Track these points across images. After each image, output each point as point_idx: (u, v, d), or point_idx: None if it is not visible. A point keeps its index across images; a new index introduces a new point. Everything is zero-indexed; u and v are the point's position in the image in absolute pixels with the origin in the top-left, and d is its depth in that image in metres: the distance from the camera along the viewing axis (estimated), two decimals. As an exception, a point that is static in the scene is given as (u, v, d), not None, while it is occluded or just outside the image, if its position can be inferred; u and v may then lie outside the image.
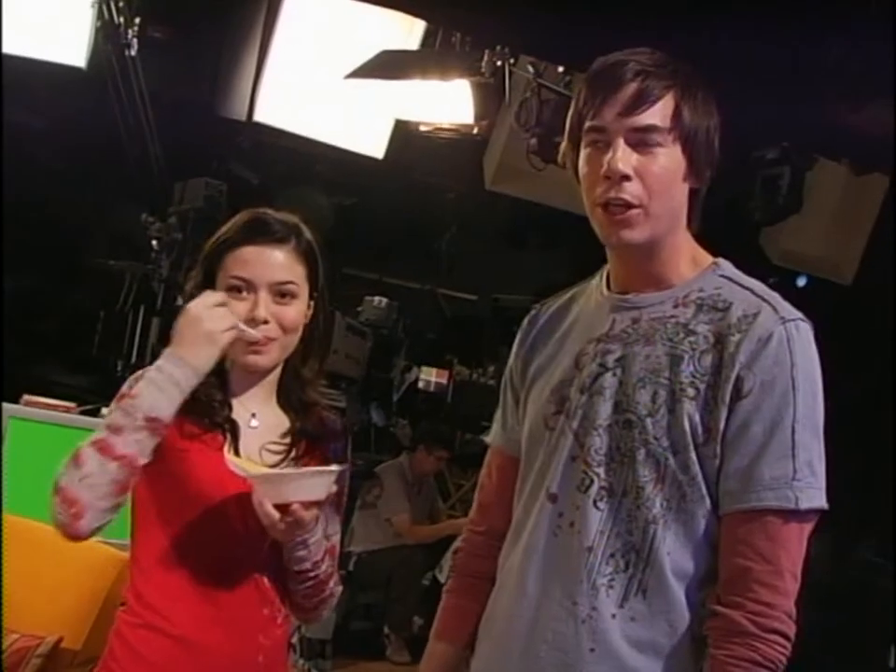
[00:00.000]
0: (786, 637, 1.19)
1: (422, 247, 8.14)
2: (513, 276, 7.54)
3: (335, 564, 1.61)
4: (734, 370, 1.22)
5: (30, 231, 5.63)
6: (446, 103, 4.24)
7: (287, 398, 1.58)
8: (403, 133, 5.00)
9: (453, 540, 4.95)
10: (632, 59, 1.28)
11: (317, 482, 1.41)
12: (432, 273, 7.76)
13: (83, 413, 3.58)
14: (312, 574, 1.52)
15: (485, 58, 4.17)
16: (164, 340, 5.19)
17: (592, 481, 1.28)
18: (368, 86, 4.30)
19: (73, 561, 2.36)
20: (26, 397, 3.48)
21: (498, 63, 4.37)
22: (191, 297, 1.50)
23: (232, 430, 1.51)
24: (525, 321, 1.48)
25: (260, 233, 1.52)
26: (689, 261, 1.32)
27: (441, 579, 4.68)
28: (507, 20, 4.06)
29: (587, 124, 1.30)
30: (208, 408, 1.50)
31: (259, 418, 1.55)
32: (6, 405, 3.30)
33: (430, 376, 8.44)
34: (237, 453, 1.50)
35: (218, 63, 5.22)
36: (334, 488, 1.45)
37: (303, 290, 1.54)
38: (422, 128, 4.53)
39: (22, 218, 5.53)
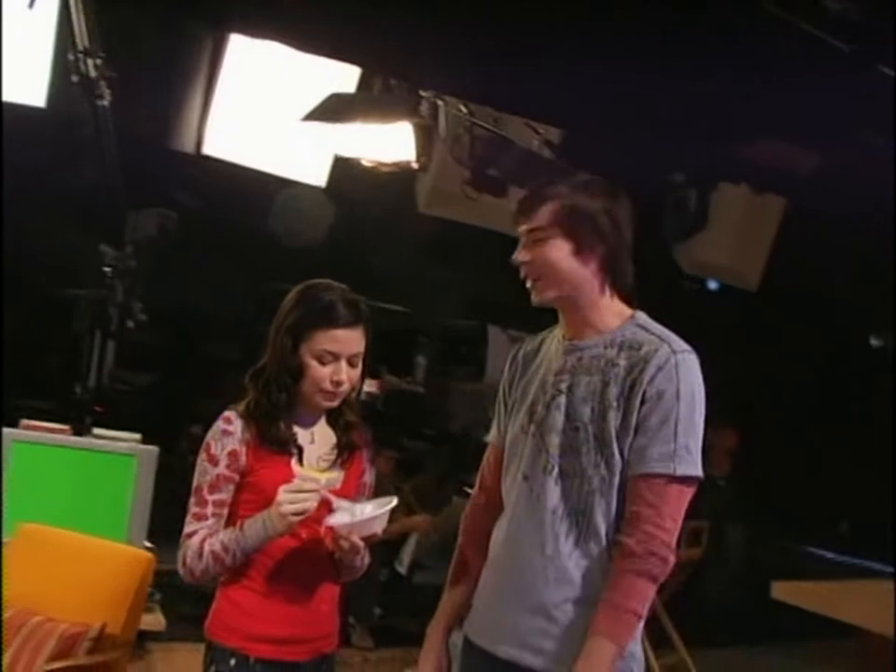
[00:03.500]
0: (662, 558, 1.74)
1: (353, 263, 8.52)
2: (441, 289, 7.98)
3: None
4: (641, 386, 1.79)
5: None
6: (390, 143, 4.65)
7: (336, 420, 2.15)
8: (344, 163, 5.38)
9: (407, 537, 5.39)
10: (533, 187, 1.89)
11: (384, 517, 1.99)
12: (362, 287, 8.14)
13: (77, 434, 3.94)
14: (358, 563, 2.12)
15: (424, 102, 4.59)
16: (120, 362, 5.48)
17: (553, 467, 1.84)
18: (317, 126, 4.70)
19: (108, 561, 2.76)
20: (24, 421, 3.83)
21: (435, 102, 4.81)
22: (284, 357, 2.06)
23: (299, 450, 2.08)
24: (511, 356, 2.03)
25: (346, 320, 2.07)
26: (614, 315, 1.89)
27: (402, 571, 5.10)
28: (435, 65, 4.49)
29: None
30: (282, 441, 2.06)
31: (316, 437, 2.12)
32: (11, 430, 3.65)
33: (365, 386, 8.77)
34: (300, 462, 2.07)
35: (168, 99, 5.55)
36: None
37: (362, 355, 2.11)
38: (365, 162, 4.92)
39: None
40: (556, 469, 1.83)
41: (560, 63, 4.42)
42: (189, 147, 5.66)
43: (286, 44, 4.89)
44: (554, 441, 1.84)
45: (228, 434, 2.06)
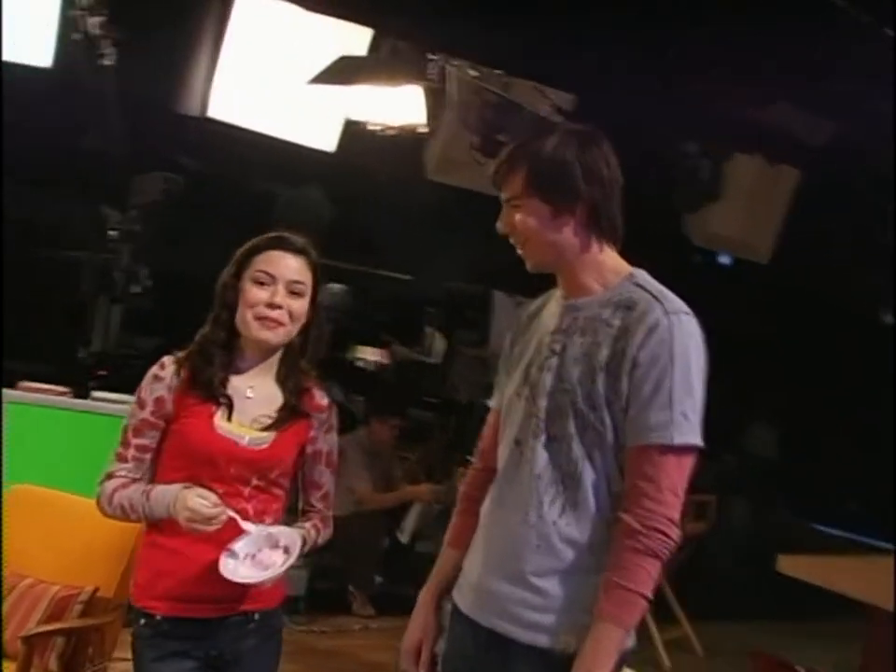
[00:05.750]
0: (664, 534, 1.64)
1: (359, 230, 8.45)
2: (448, 257, 7.90)
3: (329, 507, 2.13)
4: (632, 350, 1.67)
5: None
6: (399, 104, 4.57)
7: (284, 380, 2.04)
8: (353, 129, 5.31)
9: (410, 505, 5.36)
10: (504, 154, 1.79)
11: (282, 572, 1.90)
12: (368, 254, 8.07)
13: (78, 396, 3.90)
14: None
15: (434, 65, 4.51)
16: (125, 326, 5.42)
17: (541, 431, 1.75)
18: (325, 89, 4.62)
19: (101, 523, 2.69)
20: (22, 383, 3.78)
21: (444, 66, 4.73)
22: (225, 287, 2.01)
23: (227, 402, 1.97)
24: (517, 317, 1.95)
25: (284, 243, 2.02)
26: (611, 273, 1.79)
27: (403, 540, 5.07)
28: (446, 27, 4.41)
29: None
30: (208, 386, 1.97)
31: (256, 391, 2.02)
32: (4, 391, 3.60)
33: (370, 355, 8.77)
34: (229, 417, 1.97)
35: (174, 62, 5.47)
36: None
37: (308, 292, 2.02)
38: (371, 126, 4.84)
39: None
40: (544, 434, 1.74)
41: (572, 26, 4.35)
42: (194, 109, 5.57)
43: (295, 2, 4.82)
44: (543, 403, 1.75)
45: (158, 380, 2.01)
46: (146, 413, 2.00)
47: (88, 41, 3.96)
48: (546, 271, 1.83)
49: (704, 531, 5.09)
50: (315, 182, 6.29)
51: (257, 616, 2.02)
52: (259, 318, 1.96)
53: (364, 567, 5.04)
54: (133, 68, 5.01)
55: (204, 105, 5.46)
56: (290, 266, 1.99)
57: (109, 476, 2.01)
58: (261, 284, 1.97)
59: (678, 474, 1.66)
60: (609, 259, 1.79)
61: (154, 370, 2.02)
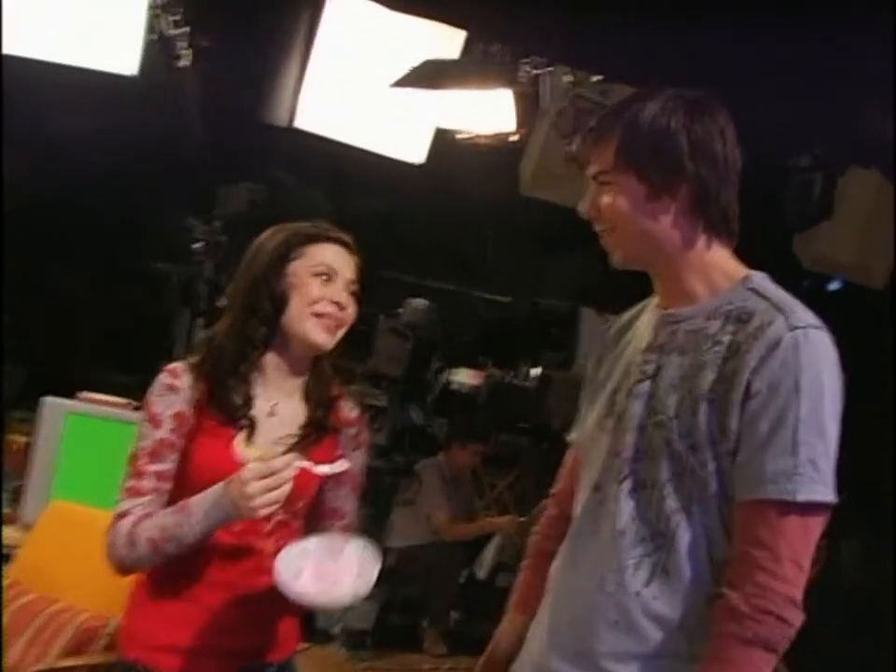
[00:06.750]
0: (781, 618, 1.29)
1: (457, 250, 8.25)
2: (547, 278, 7.63)
3: None
4: (745, 374, 1.33)
5: (80, 234, 5.80)
6: (488, 112, 4.35)
7: (311, 393, 1.76)
8: (442, 140, 5.10)
9: (490, 538, 5.07)
10: (593, 122, 1.47)
11: None
12: (467, 276, 7.84)
13: (137, 409, 3.73)
14: None
15: (524, 68, 4.28)
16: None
17: (627, 474, 1.41)
18: (410, 95, 4.42)
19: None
20: (83, 393, 3.63)
21: (535, 72, 4.49)
22: (269, 275, 1.71)
23: (249, 424, 1.69)
24: (605, 334, 1.62)
25: (340, 238, 1.78)
26: (721, 276, 1.44)
27: (480, 575, 4.78)
28: (542, 30, 4.17)
29: None
30: (227, 408, 1.68)
31: (280, 410, 1.73)
32: (64, 401, 3.45)
33: (464, 378, 8.49)
34: (250, 438, 1.69)
35: (262, 70, 5.36)
36: None
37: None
38: (460, 136, 4.64)
39: (73, 222, 5.70)
40: (631, 479, 1.41)
41: (677, 27, 4.07)
42: (282, 119, 5.45)
43: (382, 3, 4.64)
44: (630, 439, 1.42)
45: (173, 390, 1.68)
46: (163, 432, 1.67)
47: (163, 41, 3.82)
48: (636, 268, 1.49)
49: (814, 576, 4.66)
50: (402, 196, 6.10)
51: (273, 669, 1.75)
52: (319, 315, 1.70)
53: (440, 601, 4.78)
54: (218, 76, 4.92)
55: (292, 116, 5.34)
56: (349, 262, 1.77)
57: (123, 515, 1.66)
58: (323, 278, 1.72)
59: (802, 540, 1.32)
60: (720, 258, 1.45)
61: (164, 379, 1.70)
